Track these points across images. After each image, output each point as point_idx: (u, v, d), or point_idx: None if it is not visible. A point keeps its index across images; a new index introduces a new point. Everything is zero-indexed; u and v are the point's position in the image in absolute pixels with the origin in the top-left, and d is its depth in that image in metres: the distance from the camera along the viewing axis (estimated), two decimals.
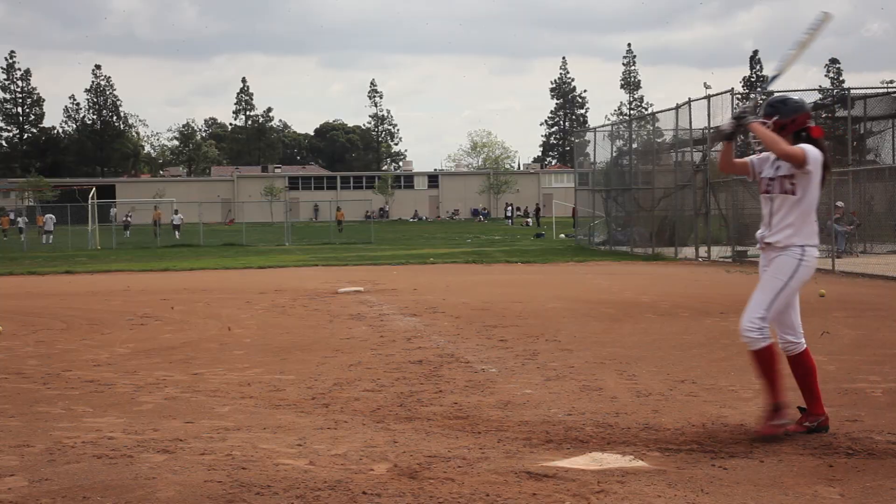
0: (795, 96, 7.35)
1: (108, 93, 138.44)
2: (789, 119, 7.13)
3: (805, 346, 7.25)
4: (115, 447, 6.97)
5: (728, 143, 7.31)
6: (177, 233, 60.17)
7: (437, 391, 9.14)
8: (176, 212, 64.05)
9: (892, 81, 66.67)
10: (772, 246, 7.15)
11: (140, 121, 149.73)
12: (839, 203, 29.20)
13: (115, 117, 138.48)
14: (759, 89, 7.83)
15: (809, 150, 7.01)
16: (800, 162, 6.96)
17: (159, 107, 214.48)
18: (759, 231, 7.33)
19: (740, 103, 27.00)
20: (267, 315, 16.12)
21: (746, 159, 7.39)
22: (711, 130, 31.30)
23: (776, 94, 7.59)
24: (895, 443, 6.81)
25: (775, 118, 7.12)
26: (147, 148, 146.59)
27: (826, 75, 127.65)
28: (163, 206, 74.74)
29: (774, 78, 7.45)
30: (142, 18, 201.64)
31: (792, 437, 6.99)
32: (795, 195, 7.05)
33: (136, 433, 7.47)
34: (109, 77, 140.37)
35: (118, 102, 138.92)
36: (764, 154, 7.30)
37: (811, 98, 34.29)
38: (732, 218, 30.67)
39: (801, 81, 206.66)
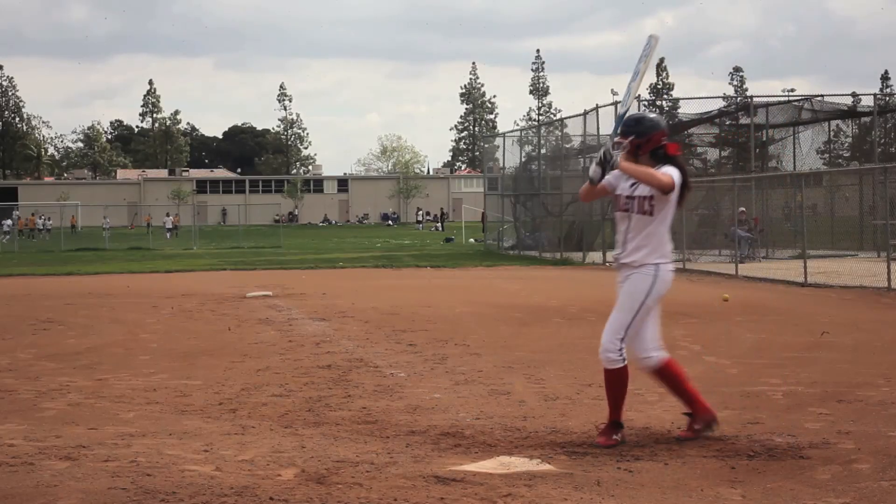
0: (651, 114, 7.31)
1: (10, 94, 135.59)
2: (645, 138, 7.13)
3: (667, 356, 7.31)
4: (16, 454, 6.82)
5: (593, 185, 7.27)
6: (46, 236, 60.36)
7: (345, 396, 9.12)
8: (38, 214, 63.93)
9: (793, 90, 68.14)
10: (627, 265, 7.16)
11: (44, 122, 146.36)
12: (742, 209, 29.77)
13: (17, 119, 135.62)
14: (611, 133, 7.67)
15: (676, 176, 7.04)
16: (668, 190, 7.02)
17: (63, 109, 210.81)
18: (614, 251, 7.34)
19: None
20: (174, 320, 15.93)
21: (603, 181, 7.29)
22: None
23: (631, 114, 7.56)
24: (795, 445, 6.94)
25: (631, 138, 7.13)
26: (51, 150, 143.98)
27: (730, 83, 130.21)
28: (26, 210, 74.19)
29: (624, 115, 7.37)
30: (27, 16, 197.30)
31: (696, 441, 7.10)
32: (652, 216, 7.08)
33: (37, 440, 7.32)
34: (12, 78, 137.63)
35: (21, 104, 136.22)
36: (617, 171, 7.26)
37: (715, 105, 34.98)
38: None
39: (701, 89, 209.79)
